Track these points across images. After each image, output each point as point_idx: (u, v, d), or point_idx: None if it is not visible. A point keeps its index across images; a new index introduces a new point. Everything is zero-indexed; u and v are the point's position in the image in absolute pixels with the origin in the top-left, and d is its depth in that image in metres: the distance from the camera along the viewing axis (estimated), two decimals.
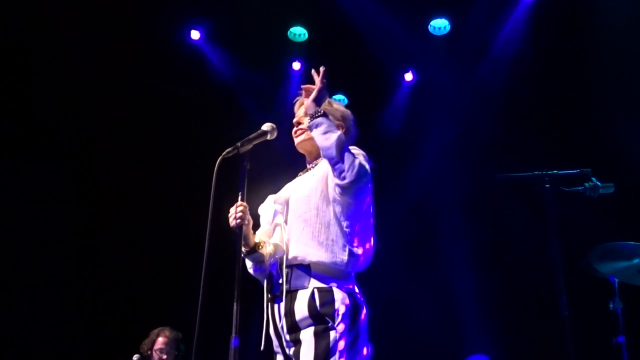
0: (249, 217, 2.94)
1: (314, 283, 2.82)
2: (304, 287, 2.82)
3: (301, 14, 7.12)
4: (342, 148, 2.79)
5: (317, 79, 3.03)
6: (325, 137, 2.83)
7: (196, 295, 2.73)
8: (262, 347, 2.92)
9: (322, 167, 3.03)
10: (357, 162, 2.78)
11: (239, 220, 2.85)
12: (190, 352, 2.83)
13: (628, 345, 4.29)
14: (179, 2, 6.85)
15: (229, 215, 2.90)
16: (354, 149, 2.97)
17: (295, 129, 3.24)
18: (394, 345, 3.89)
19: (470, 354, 6.39)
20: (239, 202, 2.89)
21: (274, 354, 2.94)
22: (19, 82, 6.40)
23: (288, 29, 7.20)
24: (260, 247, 2.98)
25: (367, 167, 2.87)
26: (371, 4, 6.72)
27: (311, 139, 3.04)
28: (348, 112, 3.31)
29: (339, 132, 2.85)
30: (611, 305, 4.39)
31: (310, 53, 7.35)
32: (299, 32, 7.24)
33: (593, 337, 4.37)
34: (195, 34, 7.14)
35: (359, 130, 3.31)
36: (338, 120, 3.17)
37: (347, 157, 2.78)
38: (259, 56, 7.22)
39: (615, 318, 4.36)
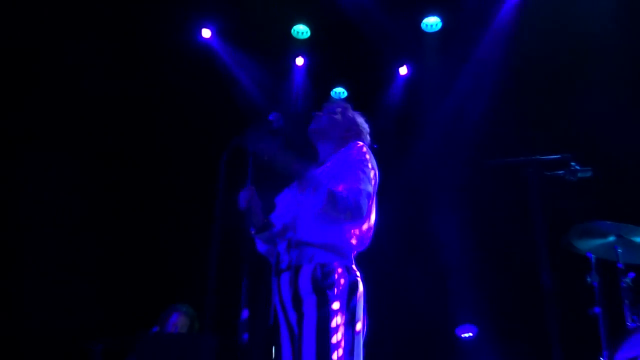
0: (256, 199, 2.96)
1: (317, 260, 2.83)
2: (307, 263, 2.83)
3: (304, 13, 7.14)
4: (334, 199, 2.78)
5: None
6: (317, 196, 2.81)
7: (209, 272, 2.76)
8: (271, 321, 2.95)
9: (332, 162, 3.06)
10: (356, 202, 2.81)
11: (247, 203, 2.88)
12: (204, 325, 2.86)
13: (603, 315, 4.32)
14: (192, 4, 6.84)
15: (239, 198, 2.92)
16: (367, 153, 3.03)
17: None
18: (389, 317, 3.91)
19: (458, 323, 6.44)
20: (247, 187, 2.91)
21: (279, 325, 2.95)
22: (42, 80, 6.41)
23: (292, 27, 7.22)
24: (268, 227, 2.99)
25: (365, 195, 2.85)
26: (368, 4, 6.72)
27: (322, 130, 3.23)
28: (362, 123, 3.37)
29: (328, 190, 2.80)
30: (588, 279, 4.40)
31: (312, 49, 7.40)
32: (301, 30, 7.25)
33: (572, 308, 4.38)
34: (206, 32, 7.15)
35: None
36: (346, 122, 3.29)
37: (345, 203, 2.79)
38: (265, 52, 7.25)
39: (592, 291, 4.38)
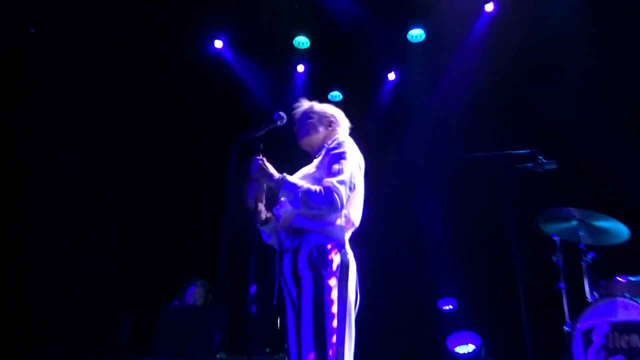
0: (261, 193, 2.94)
1: (313, 242, 2.82)
2: (305, 246, 2.83)
3: (304, 26, 7.13)
4: (307, 201, 2.78)
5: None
6: (294, 202, 2.82)
7: (221, 251, 2.77)
8: (275, 299, 2.96)
9: (319, 160, 3.02)
10: (328, 196, 2.77)
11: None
12: (217, 299, 2.87)
13: (566, 289, 4.34)
14: (206, 19, 6.87)
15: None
16: (344, 144, 2.97)
17: (296, 131, 3.24)
18: (378, 292, 3.93)
19: (440, 297, 6.46)
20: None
21: (284, 300, 2.95)
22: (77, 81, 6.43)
23: (293, 38, 7.20)
24: (270, 220, 2.97)
25: (343, 186, 2.81)
26: (361, 18, 6.71)
27: (306, 138, 3.14)
28: (333, 111, 3.25)
29: (300, 191, 2.79)
30: (554, 258, 4.43)
31: (311, 58, 7.41)
32: (302, 41, 7.23)
33: (539, 283, 4.39)
34: (218, 43, 7.17)
35: (352, 119, 3.30)
36: (323, 118, 3.18)
37: (319, 201, 2.77)
38: (270, 60, 7.26)
39: (556, 268, 4.40)
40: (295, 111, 3.23)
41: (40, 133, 6.27)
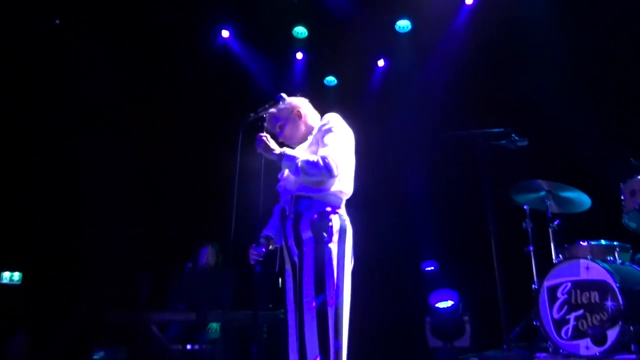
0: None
1: (316, 208, 2.80)
2: (307, 211, 2.81)
3: (302, 17, 7.05)
4: (306, 169, 2.76)
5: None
6: (295, 172, 2.80)
7: (230, 217, 2.77)
8: (276, 268, 2.95)
9: (313, 137, 2.99)
10: (324, 163, 2.75)
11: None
12: (227, 259, 2.87)
13: (535, 252, 4.35)
14: (215, 12, 6.82)
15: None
16: (332, 120, 2.93)
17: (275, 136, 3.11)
18: (368, 254, 3.92)
19: (423, 259, 6.47)
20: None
21: (285, 260, 2.94)
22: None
23: (292, 28, 7.13)
24: (270, 243, 2.97)
25: (337, 157, 2.79)
26: (354, 10, 6.66)
27: (289, 136, 3.07)
28: (297, 102, 3.15)
29: (298, 162, 2.77)
30: (524, 225, 4.44)
31: (309, 46, 7.34)
32: (301, 31, 7.17)
33: (511, 247, 4.40)
34: (225, 33, 7.10)
35: (347, 101, 3.26)
36: (291, 113, 3.09)
37: (316, 169, 2.75)
38: (272, 49, 7.19)
39: (526, 234, 4.41)
40: (265, 123, 3.05)
41: (71, 122, 6.25)
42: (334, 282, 2.68)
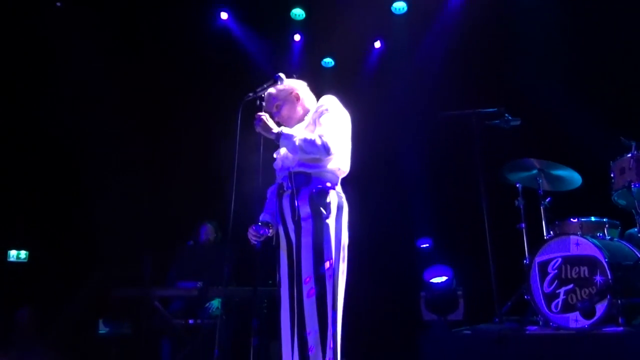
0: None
1: (313, 184, 2.82)
2: (306, 187, 2.82)
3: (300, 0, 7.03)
4: (303, 147, 2.78)
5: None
6: (293, 150, 2.81)
7: (230, 195, 2.79)
8: (274, 242, 2.96)
9: (309, 118, 3.00)
10: (322, 141, 2.77)
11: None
12: (226, 236, 2.88)
13: (526, 229, 4.39)
14: None
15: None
16: (329, 101, 2.94)
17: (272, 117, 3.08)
18: (364, 231, 3.96)
19: (418, 237, 6.50)
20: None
21: (281, 237, 2.94)
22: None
23: (290, 10, 7.10)
24: (270, 228, 2.95)
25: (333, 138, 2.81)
26: None
27: (286, 117, 3.06)
28: (295, 84, 3.15)
29: (296, 140, 2.79)
30: (516, 203, 4.46)
31: (306, 28, 7.29)
32: (298, 13, 7.12)
33: (503, 223, 4.44)
34: (224, 15, 7.06)
35: (344, 82, 3.27)
36: (289, 95, 3.09)
37: (313, 146, 2.77)
38: (270, 30, 7.16)
39: (518, 211, 4.44)
40: (263, 102, 3.07)
41: (72, 102, 6.24)
42: (331, 257, 2.71)
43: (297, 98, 3.11)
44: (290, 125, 3.07)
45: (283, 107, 3.09)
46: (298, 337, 2.63)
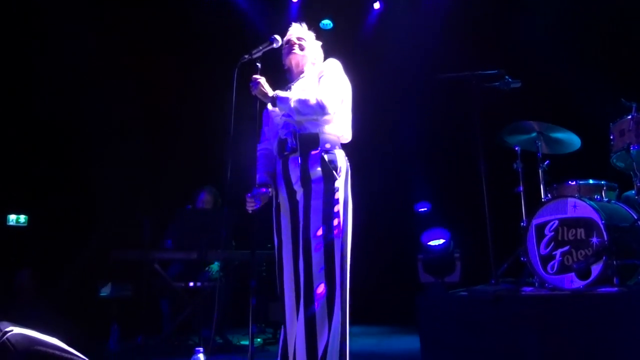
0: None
1: (323, 147, 2.80)
2: (315, 149, 2.79)
3: None
4: (299, 108, 2.75)
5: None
6: (290, 113, 2.78)
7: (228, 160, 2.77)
8: (273, 206, 2.95)
9: (312, 75, 2.95)
10: (317, 101, 2.74)
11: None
12: (225, 202, 2.88)
13: (525, 192, 4.38)
14: None
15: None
16: (332, 65, 2.92)
17: (292, 44, 3.05)
18: (365, 197, 3.95)
19: (417, 200, 6.52)
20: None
21: (282, 200, 2.90)
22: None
23: None
24: (269, 187, 2.92)
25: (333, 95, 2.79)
26: None
27: (302, 55, 3.01)
28: (320, 49, 3.18)
29: (291, 102, 2.75)
30: (515, 166, 4.43)
31: None
32: None
33: (502, 187, 4.43)
34: None
35: (342, 44, 3.23)
36: (317, 45, 3.14)
37: (307, 106, 2.74)
38: None
39: (517, 175, 4.42)
40: (294, 28, 3.11)
41: (70, 70, 6.15)
42: (339, 218, 2.71)
43: (314, 60, 3.09)
44: (296, 69, 3.04)
45: (307, 48, 3.07)
46: (305, 296, 2.63)
